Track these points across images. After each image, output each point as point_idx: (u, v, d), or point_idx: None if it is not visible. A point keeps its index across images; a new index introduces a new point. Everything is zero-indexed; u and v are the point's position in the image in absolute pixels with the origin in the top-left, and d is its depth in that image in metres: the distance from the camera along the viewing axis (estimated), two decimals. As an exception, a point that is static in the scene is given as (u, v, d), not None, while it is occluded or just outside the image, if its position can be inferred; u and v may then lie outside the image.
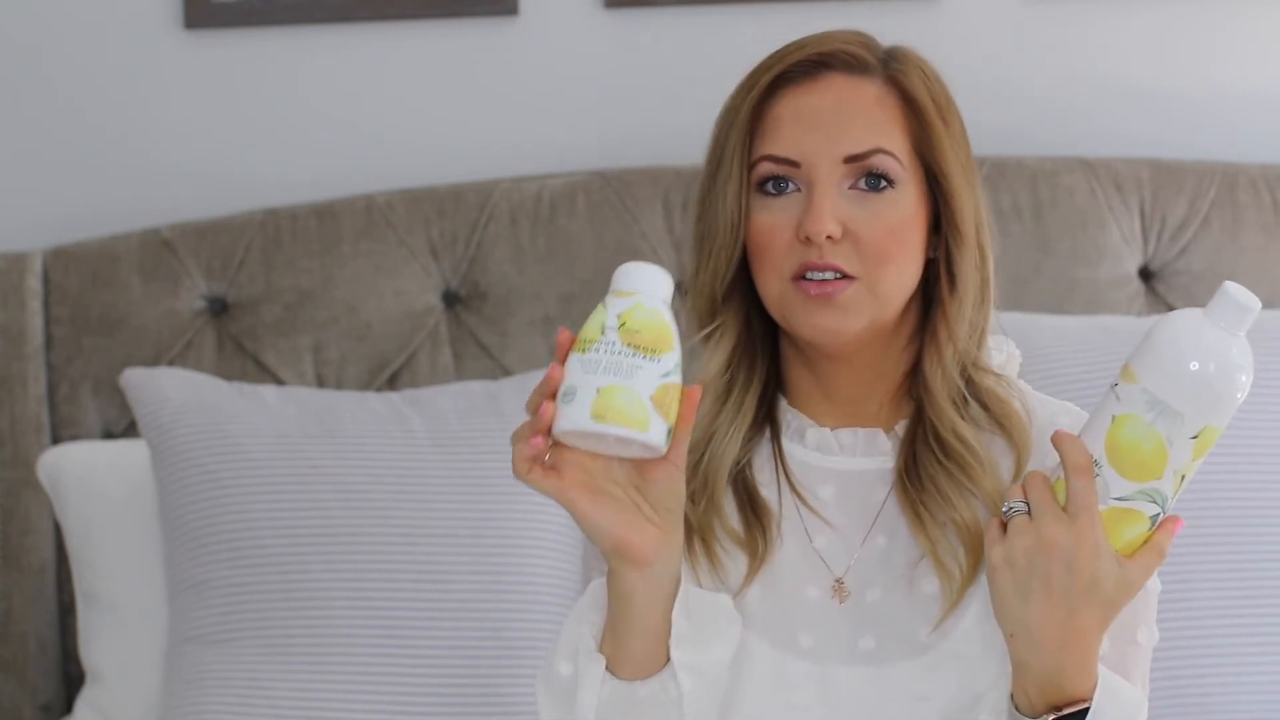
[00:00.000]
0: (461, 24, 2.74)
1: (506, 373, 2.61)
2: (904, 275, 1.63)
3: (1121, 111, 2.75)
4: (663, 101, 2.72)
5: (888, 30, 1.70)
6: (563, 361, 1.51)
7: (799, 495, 1.67)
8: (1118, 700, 1.52)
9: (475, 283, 2.64)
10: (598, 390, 1.48)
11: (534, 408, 1.52)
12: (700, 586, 1.65)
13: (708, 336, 1.70)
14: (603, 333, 1.50)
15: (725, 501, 1.67)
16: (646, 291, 1.53)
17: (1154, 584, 1.63)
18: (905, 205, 1.62)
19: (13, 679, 2.62)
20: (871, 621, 1.63)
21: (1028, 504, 1.52)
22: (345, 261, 2.63)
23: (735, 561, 1.66)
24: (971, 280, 1.65)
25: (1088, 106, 2.75)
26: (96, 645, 2.52)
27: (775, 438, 1.70)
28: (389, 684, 2.34)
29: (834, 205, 1.61)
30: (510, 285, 2.63)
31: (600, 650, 1.59)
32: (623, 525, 1.54)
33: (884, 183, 1.62)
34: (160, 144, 2.74)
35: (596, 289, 2.61)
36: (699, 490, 1.67)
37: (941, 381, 1.64)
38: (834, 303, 1.61)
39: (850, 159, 1.61)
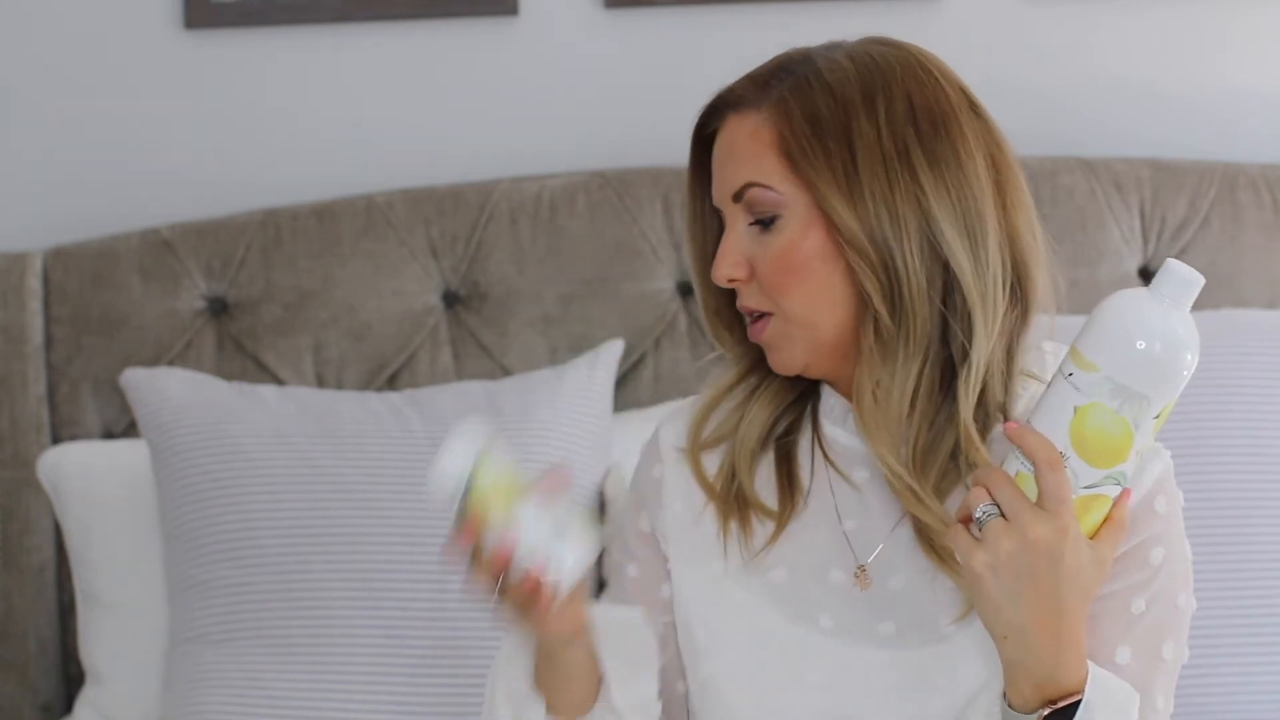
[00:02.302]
0: (461, 24, 2.74)
1: (506, 373, 2.61)
2: (813, 296, 1.60)
3: (1121, 111, 2.75)
4: (663, 101, 2.72)
5: (887, 31, 1.70)
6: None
7: (836, 470, 1.67)
8: (1109, 691, 1.52)
9: (475, 283, 2.64)
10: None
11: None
12: (726, 559, 1.67)
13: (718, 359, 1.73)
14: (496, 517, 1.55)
15: (758, 473, 1.69)
16: (466, 474, 1.55)
17: (1186, 602, 1.62)
18: (791, 230, 1.60)
19: (13, 679, 2.62)
20: (892, 608, 1.64)
21: (997, 505, 1.49)
22: (345, 261, 2.63)
23: (765, 528, 1.68)
24: (886, 292, 1.58)
25: (1088, 106, 2.75)
26: (96, 645, 2.52)
27: (815, 420, 1.70)
28: (389, 684, 2.34)
29: (734, 247, 1.63)
30: (510, 285, 2.63)
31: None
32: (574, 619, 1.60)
33: (769, 215, 1.61)
34: (160, 144, 2.74)
35: (596, 289, 2.62)
36: (726, 470, 1.69)
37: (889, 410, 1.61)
38: (765, 340, 1.64)
39: (735, 197, 1.62)
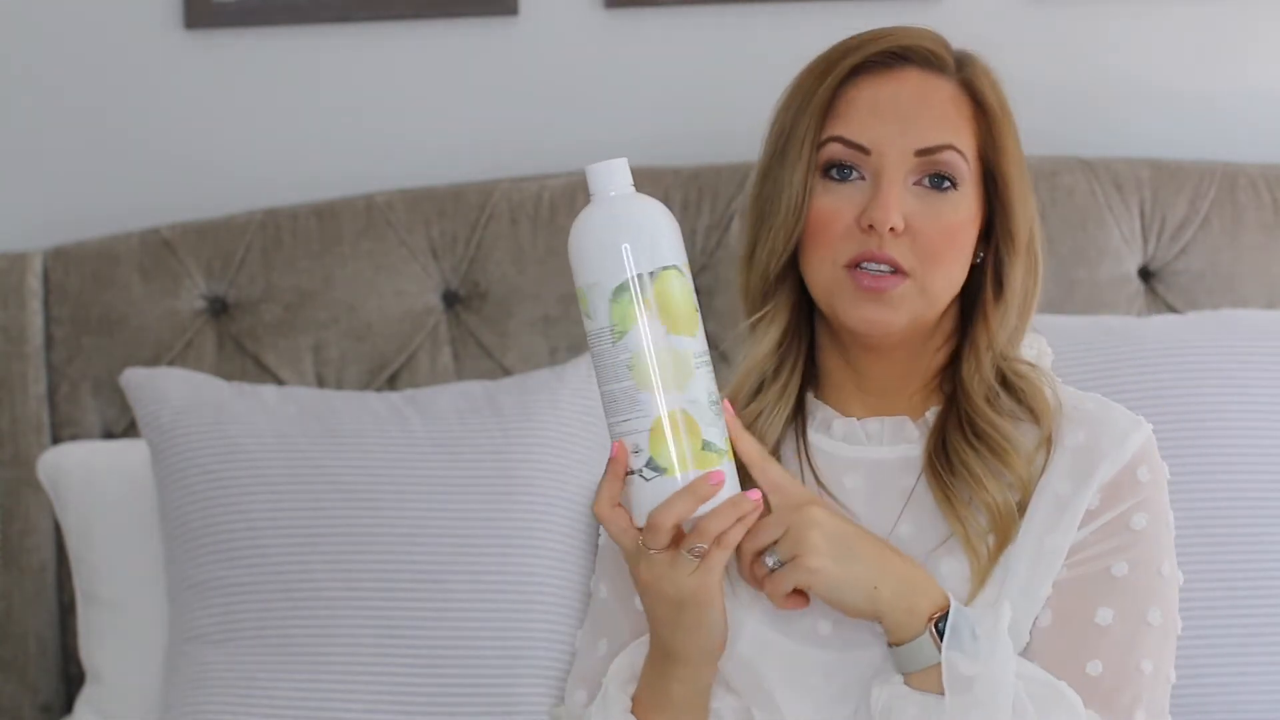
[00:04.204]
0: (461, 24, 2.74)
1: (506, 373, 2.61)
2: (952, 277, 1.64)
3: (1121, 111, 2.75)
4: (663, 101, 2.72)
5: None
6: None
7: (823, 486, 1.67)
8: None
9: (475, 283, 2.64)
10: None
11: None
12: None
13: (758, 321, 1.70)
14: None
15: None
16: None
17: (1171, 571, 1.64)
18: (965, 208, 1.63)
19: (13, 679, 2.62)
20: None
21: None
22: (345, 261, 2.63)
23: None
24: (1019, 289, 1.66)
25: (1088, 106, 2.75)
26: (96, 645, 2.52)
27: (801, 431, 1.70)
28: (389, 684, 2.34)
29: (901, 198, 1.61)
30: (510, 285, 2.63)
31: None
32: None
33: (948, 183, 1.63)
34: (160, 144, 2.74)
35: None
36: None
37: (978, 383, 1.65)
38: (884, 298, 1.62)
39: (921, 152, 1.62)
